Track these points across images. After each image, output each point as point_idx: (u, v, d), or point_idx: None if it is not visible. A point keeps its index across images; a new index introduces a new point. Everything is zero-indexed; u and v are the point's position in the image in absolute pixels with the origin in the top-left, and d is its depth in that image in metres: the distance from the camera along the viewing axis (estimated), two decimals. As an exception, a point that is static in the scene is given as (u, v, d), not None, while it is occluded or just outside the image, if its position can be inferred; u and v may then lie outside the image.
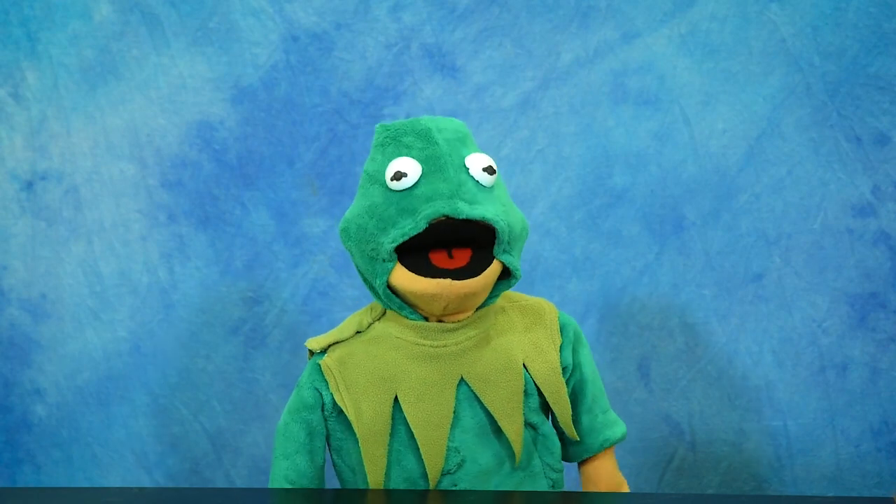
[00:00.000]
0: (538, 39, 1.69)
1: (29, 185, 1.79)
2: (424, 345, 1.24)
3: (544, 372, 1.27)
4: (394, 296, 1.23)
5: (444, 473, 1.24)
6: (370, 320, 1.28)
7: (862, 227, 1.65)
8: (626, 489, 1.35)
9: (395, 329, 1.26)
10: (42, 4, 1.75)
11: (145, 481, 1.79)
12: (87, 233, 1.78)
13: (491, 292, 1.25)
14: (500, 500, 1.23)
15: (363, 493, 1.26)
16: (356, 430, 1.24)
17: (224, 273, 1.76)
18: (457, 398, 1.24)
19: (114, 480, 1.79)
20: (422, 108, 1.70)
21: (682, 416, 1.70)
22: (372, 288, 1.25)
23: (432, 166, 1.19)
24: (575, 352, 1.31)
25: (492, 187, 1.21)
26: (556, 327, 1.29)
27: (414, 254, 1.19)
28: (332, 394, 1.26)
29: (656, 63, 1.67)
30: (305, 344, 1.30)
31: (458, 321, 1.24)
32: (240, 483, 1.77)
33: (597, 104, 1.68)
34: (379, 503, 1.23)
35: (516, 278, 1.25)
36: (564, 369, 1.29)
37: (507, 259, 1.22)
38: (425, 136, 1.20)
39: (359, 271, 1.26)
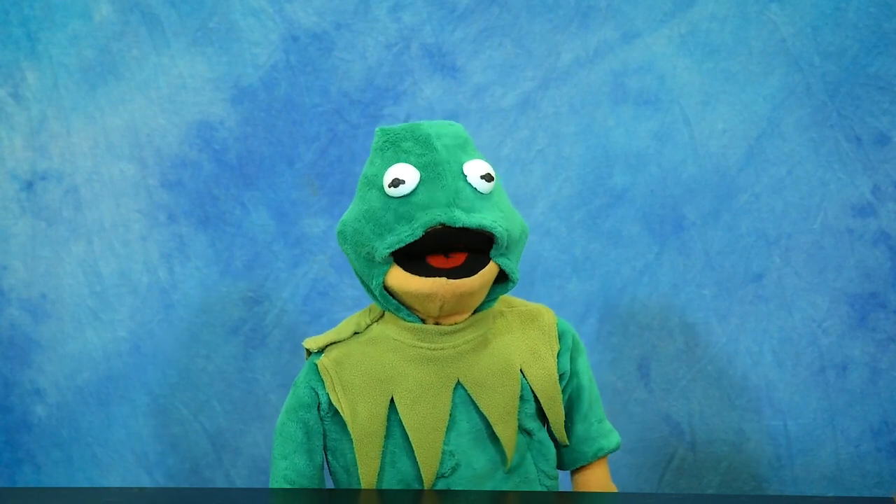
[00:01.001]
0: (538, 39, 1.69)
1: (29, 185, 1.79)
2: (421, 347, 1.24)
3: (541, 378, 1.27)
4: (390, 297, 1.24)
5: (439, 477, 1.24)
6: (368, 322, 1.28)
7: (862, 227, 1.65)
8: None
9: (392, 331, 1.26)
10: (42, 4, 1.75)
11: (145, 481, 1.79)
12: (87, 233, 1.78)
13: (488, 296, 1.26)
14: (496, 501, 1.23)
15: (360, 493, 1.26)
16: (351, 430, 1.24)
17: (224, 273, 1.76)
18: (453, 402, 1.24)
19: (114, 480, 1.79)
20: (422, 108, 1.70)
21: (682, 416, 1.70)
22: (369, 289, 1.25)
23: (431, 173, 1.19)
24: (573, 359, 1.31)
25: (490, 193, 1.21)
26: (555, 334, 1.29)
27: (411, 256, 1.20)
28: (328, 394, 1.26)
29: (656, 63, 1.67)
30: (303, 343, 1.30)
31: (455, 324, 1.24)
32: (240, 483, 1.77)
33: (597, 104, 1.68)
34: (375, 503, 1.23)
35: (513, 282, 1.25)
36: (561, 376, 1.29)
37: (503, 262, 1.22)
38: (425, 142, 1.20)
39: (356, 273, 1.26)
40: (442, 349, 1.23)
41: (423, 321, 1.25)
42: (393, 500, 1.24)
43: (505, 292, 1.27)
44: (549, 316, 1.30)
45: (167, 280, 1.77)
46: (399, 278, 1.21)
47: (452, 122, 1.26)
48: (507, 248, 1.21)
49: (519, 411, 1.26)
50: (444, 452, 1.24)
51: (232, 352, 1.76)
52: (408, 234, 1.18)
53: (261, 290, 1.75)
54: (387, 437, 1.24)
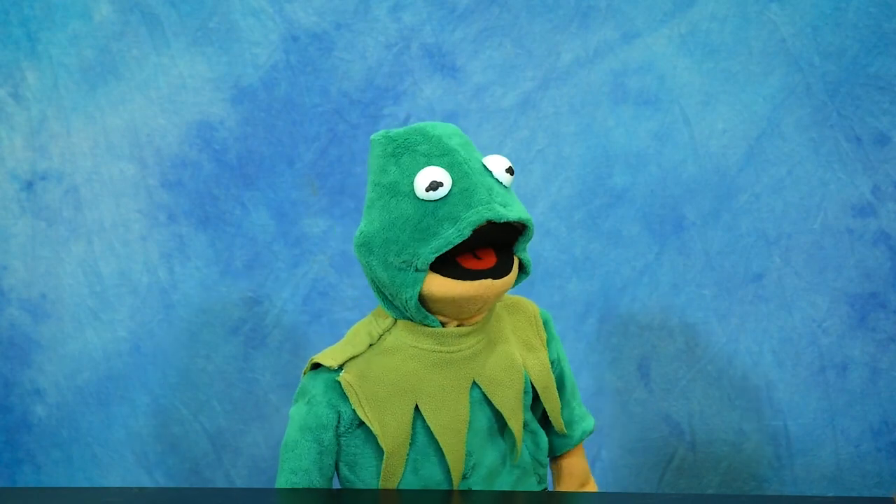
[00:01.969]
0: (538, 39, 1.69)
1: (29, 185, 1.79)
2: (441, 351, 1.23)
3: (537, 368, 1.28)
4: (421, 306, 1.22)
5: (463, 477, 1.25)
6: (381, 331, 1.26)
7: (862, 227, 1.65)
8: (593, 484, 1.37)
9: (409, 338, 1.24)
10: (42, 4, 1.75)
11: (145, 481, 1.79)
12: (87, 233, 1.78)
13: None
14: (508, 501, 1.23)
15: (373, 493, 1.25)
16: (383, 444, 1.22)
17: (224, 273, 1.76)
18: (470, 402, 1.24)
19: (114, 480, 1.79)
20: (422, 108, 1.70)
21: (682, 416, 1.70)
22: (389, 300, 1.23)
23: (459, 172, 1.18)
24: (553, 345, 1.32)
25: (510, 186, 1.22)
26: (540, 323, 1.30)
27: (441, 261, 1.18)
28: (353, 410, 1.23)
29: (656, 63, 1.67)
30: (317, 360, 1.25)
31: (475, 324, 1.24)
32: (240, 483, 1.77)
33: (597, 104, 1.68)
34: (393, 503, 1.23)
35: (527, 274, 1.26)
36: (552, 364, 1.31)
37: (524, 256, 1.23)
38: (439, 144, 1.19)
39: (377, 285, 1.23)
40: (460, 350, 1.23)
41: (443, 325, 1.24)
42: (411, 502, 1.24)
43: (514, 286, 1.27)
44: (532, 306, 1.31)
45: (167, 280, 1.77)
46: (440, 285, 1.18)
47: (448, 123, 1.25)
48: (527, 242, 1.23)
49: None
50: (465, 453, 1.24)
51: (232, 352, 1.76)
52: (456, 235, 1.16)
53: (261, 290, 1.75)
54: (410, 444, 1.23)
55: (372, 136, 1.23)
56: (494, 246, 1.21)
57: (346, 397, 1.23)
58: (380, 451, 1.23)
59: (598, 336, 1.70)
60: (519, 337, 1.28)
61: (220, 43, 1.73)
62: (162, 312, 1.77)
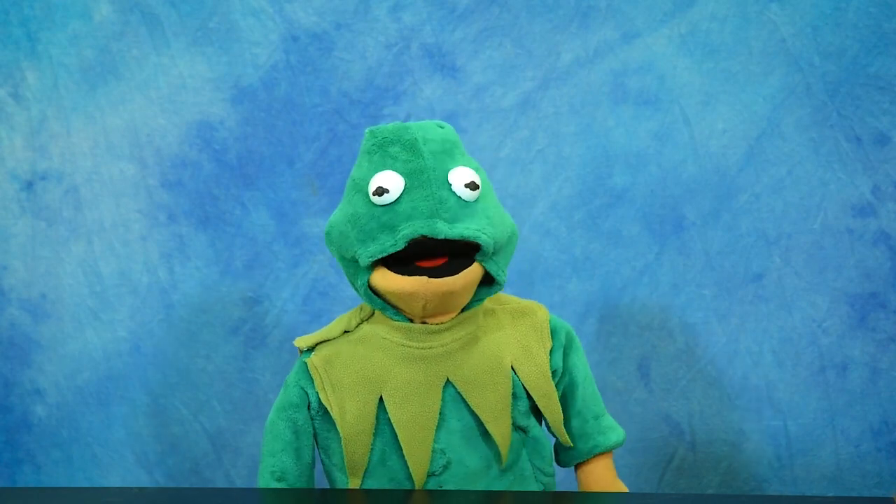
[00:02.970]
0: (538, 39, 1.69)
1: (29, 185, 1.79)
2: (410, 346, 1.24)
3: (533, 375, 1.26)
4: (375, 297, 1.24)
5: (430, 475, 1.24)
6: (358, 320, 1.28)
7: (862, 227, 1.65)
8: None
9: (382, 330, 1.26)
10: (42, 4, 1.75)
11: (145, 481, 1.79)
12: (87, 233, 1.78)
13: (476, 296, 1.25)
14: (489, 500, 1.23)
15: (352, 493, 1.26)
16: (340, 429, 1.24)
17: (224, 273, 1.76)
18: (443, 400, 1.24)
19: (114, 480, 1.79)
20: (422, 108, 1.70)
21: (682, 416, 1.70)
22: (356, 288, 1.26)
23: (415, 181, 1.18)
24: (566, 356, 1.31)
25: (476, 201, 1.20)
26: (547, 330, 1.29)
27: (394, 258, 1.20)
28: (317, 393, 1.26)
29: (656, 63, 1.67)
30: (294, 342, 1.30)
31: (442, 323, 1.24)
32: (240, 483, 1.77)
33: (597, 104, 1.68)
34: (367, 503, 1.23)
35: (499, 284, 1.24)
36: (554, 373, 1.29)
37: (489, 265, 1.21)
38: (411, 148, 1.20)
39: (344, 271, 1.27)
40: (430, 347, 1.23)
41: (411, 320, 1.25)
42: (385, 500, 1.24)
43: (491, 294, 1.26)
44: (541, 312, 1.30)
45: (167, 280, 1.77)
46: (383, 279, 1.20)
47: (443, 124, 1.25)
48: (493, 253, 1.21)
49: (512, 409, 1.25)
50: (434, 451, 1.24)
51: (232, 352, 1.76)
52: (390, 244, 1.18)
53: (261, 290, 1.75)
54: (377, 435, 1.24)
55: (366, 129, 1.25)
56: (459, 254, 1.20)
57: (313, 379, 1.26)
58: None
59: (598, 336, 1.70)
60: (519, 342, 1.27)
61: (220, 43, 1.73)
62: (162, 312, 1.77)
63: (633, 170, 1.68)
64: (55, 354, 1.80)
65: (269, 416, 1.30)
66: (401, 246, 1.17)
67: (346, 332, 1.28)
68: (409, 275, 1.19)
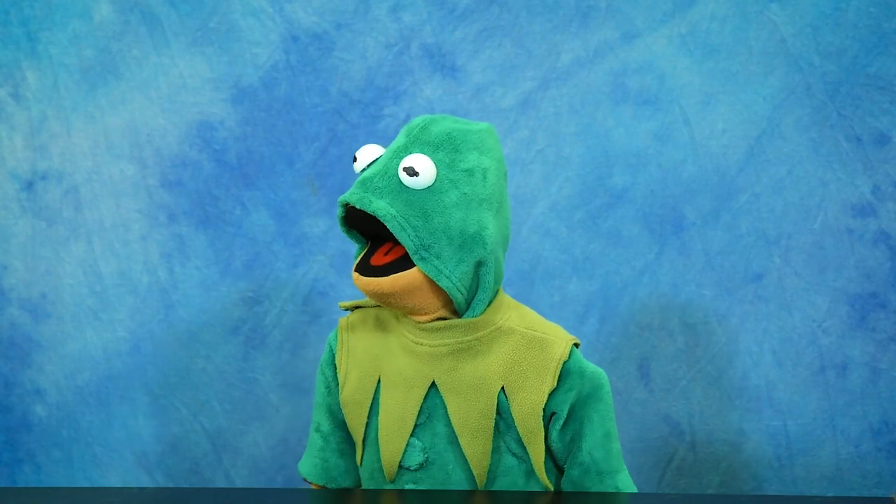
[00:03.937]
0: (538, 39, 1.69)
1: (29, 185, 1.79)
2: (407, 338, 1.24)
3: (523, 408, 1.22)
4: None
5: (405, 468, 1.24)
6: None
7: (862, 227, 1.65)
8: None
9: (397, 315, 1.27)
10: (42, 4, 1.75)
11: (145, 481, 1.79)
12: (87, 233, 1.78)
13: (474, 305, 1.22)
14: (491, 501, 1.22)
15: (348, 493, 1.28)
16: (339, 390, 1.28)
17: (224, 273, 1.76)
18: (432, 401, 1.23)
19: (114, 480, 1.79)
20: (422, 107, 1.70)
21: (682, 416, 1.70)
22: None
23: (383, 157, 1.21)
24: (582, 404, 1.24)
25: (422, 190, 1.18)
26: (556, 370, 1.22)
27: (375, 244, 1.23)
28: (336, 353, 1.29)
29: (656, 63, 1.67)
30: (339, 304, 1.35)
31: (420, 322, 1.22)
32: (240, 483, 1.77)
33: (597, 104, 1.68)
34: (361, 503, 1.23)
35: (449, 291, 1.19)
36: (554, 416, 1.24)
37: (425, 268, 1.18)
38: (409, 131, 1.22)
39: None
40: (420, 344, 1.23)
41: None
42: (368, 500, 1.25)
43: (480, 302, 1.22)
44: (559, 351, 1.23)
45: (167, 280, 1.77)
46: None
47: (478, 124, 1.24)
48: (425, 249, 1.18)
49: (504, 434, 1.23)
50: (412, 446, 1.24)
51: (232, 352, 1.76)
52: (339, 208, 1.21)
53: (261, 290, 1.75)
54: (374, 413, 1.26)
55: None
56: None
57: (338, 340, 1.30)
58: None
59: (598, 336, 1.70)
60: (521, 371, 1.22)
61: (220, 43, 1.73)
62: (162, 312, 1.77)
63: (633, 170, 1.68)
64: (55, 354, 1.80)
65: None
66: (339, 212, 1.20)
67: (378, 305, 1.28)
68: (357, 268, 1.21)
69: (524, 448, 1.24)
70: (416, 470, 1.24)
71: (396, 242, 1.20)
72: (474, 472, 1.23)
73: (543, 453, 1.23)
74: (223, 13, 1.72)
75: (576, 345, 1.25)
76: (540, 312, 1.31)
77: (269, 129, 1.74)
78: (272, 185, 1.74)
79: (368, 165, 1.21)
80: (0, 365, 1.81)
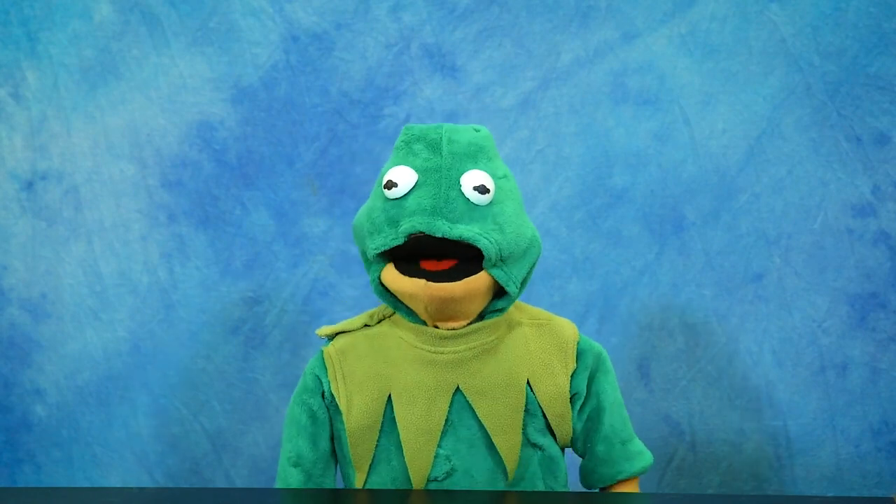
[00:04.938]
0: (538, 39, 1.69)
1: (29, 185, 1.79)
2: (423, 349, 1.23)
3: (550, 394, 1.25)
4: (386, 293, 1.24)
5: (431, 480, 1.24)
6: (380, 317, 1.29)
7: (862, 227, 1.65)
8: None
9: (399, 329, 1.26)
10: (42, 4, 1.75)
11: (145, 481, 1.79)
12: (87, 233, 1.78)
13: (493, 306, 1.24)
14: (496, 501, 1.22)
15: (353, 493, 1.26)
16: (345, 421, 1.24)
17: (224, 273, 1.76)
18: (453, 407, 1.23)
19: (114, 480, 1.79)
20: (422, 108, 1.70)
21: (682, 416, 1.70)
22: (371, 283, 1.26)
23: (428, 178, 1.19)
24: (593, 379, 1.28)
25: (487, 205, 1.19)
26: (573, 352, 1.27)
27: (406, 258, 1.20)
28: (329, 382, 1.26)
29: (656, 63, 1.67)
30: (316, 331, 1.31)
31: (452, 329, 1.23)
32: (240, 483, 1.77)
33: (597, 104, 1.68)
34: (368, 503, 1.23)
35: (511, 294, 1.23)
36: (575, 395, 1.27)
37: (496, 273, 1.20)
38: (433, 146, 1.20)
39: (364, 265, 1.27)
40: (442, 353, 1.23)
41: (426, 323, 1.24)
42: (389, 501, 1.24)
43: (507, 304, 1.25)
44: (570, 332, 1.28)
45: (167, 280, 1.77)
46: (389, 276, 1.21)
47: (479, 128, 1.24)
48: (501, 260, 1.20)
49: (526, 426, 1.24)
50: (438, 456, 1.23)
51: (232, 352, 1.76)
52: (392, 238, 1.18)
53: (261, 290, 1.75)
54: (384, 433, 1.24)
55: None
56: (467, 259, 1.20)
57: (327, 369, 1.27)
58: None
59: (598, 336, 1.70)
60: (541, 359, 1.25)
61: (220, 43, 1.73)
62: (162, 312, 1.77)
63: (633, 170, 1.68)
64: (55, 354, 1.80)
65: (290, 401, 1.31)
66: (400, 240, 1.18)
67: (366, 325, 1.28)
68: (412, 276, 1.19)
69: (546, 437, 1.26)
70: (442, 479, 1.24)
71: (441, 258, 1.19)
72: (507, 467, 1.24)
73: (571, 434, 1.27)
74: (223, 13, 1.72)
75: None
76: (540, 312, 1.32)
77: (269, 129, 1.74)
78: (272, 185, 1.74)
79: (410, 191, 1.19)
80: (0, 365, 1.81)
